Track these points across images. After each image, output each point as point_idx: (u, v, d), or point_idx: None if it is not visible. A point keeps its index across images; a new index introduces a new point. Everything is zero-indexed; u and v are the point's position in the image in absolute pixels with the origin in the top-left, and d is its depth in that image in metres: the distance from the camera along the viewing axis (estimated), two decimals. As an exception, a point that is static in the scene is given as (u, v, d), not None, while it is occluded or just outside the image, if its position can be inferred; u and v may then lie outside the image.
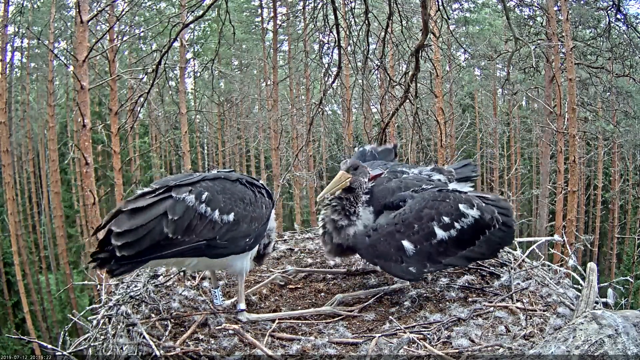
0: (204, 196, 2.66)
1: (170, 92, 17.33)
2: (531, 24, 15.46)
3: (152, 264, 2.87)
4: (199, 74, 20.35)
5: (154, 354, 2.49)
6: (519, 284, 3.30)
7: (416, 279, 3.14)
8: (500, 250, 3.44)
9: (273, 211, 3.12)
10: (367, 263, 3.70)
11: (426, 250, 2.98)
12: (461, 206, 3.06)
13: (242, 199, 2.81)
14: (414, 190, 3.21)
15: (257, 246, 3.01)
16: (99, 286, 3.61)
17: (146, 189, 2.75)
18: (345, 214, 3.18)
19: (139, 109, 8.30)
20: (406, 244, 2.96)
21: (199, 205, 2.63)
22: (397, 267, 2.97)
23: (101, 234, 2.60)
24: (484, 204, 3.15)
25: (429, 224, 2.99)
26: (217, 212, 2.68)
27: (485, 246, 3.13)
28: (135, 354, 2.56)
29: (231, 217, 2.73)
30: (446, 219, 3.01)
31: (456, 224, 3.02)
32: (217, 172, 3.12)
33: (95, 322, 3.04)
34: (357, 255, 3.46)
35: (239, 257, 2.90)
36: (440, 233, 3.00)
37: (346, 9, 6.75)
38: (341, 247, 3.22)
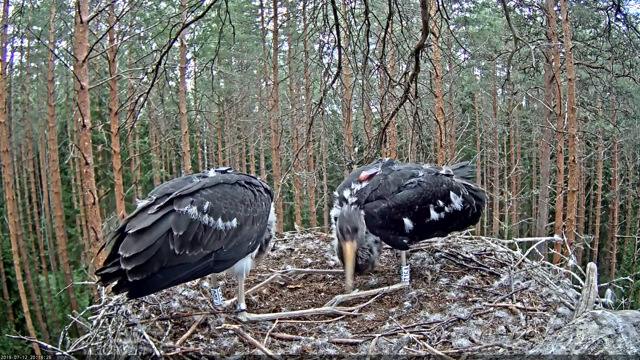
0: (205, 206, 2.65)
1: (170, 92, 17.33)
2: (531, 24, 15.43)
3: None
4: (199, 74, 20.33)
5: (154, 354, 2.49)
6: (519, 284, 3.31)
7: (405, 249, 3.50)
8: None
9: (272, 204, 3.12)
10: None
11: (421, 226, 3.38)
12: (452, 193, 3.47)
13: (243, 202, 2.81)
14: (412, 177, 3.44)
15: (258, 245, 3.00)
16: (99, 286, 3.61)
17: (145, 201, 2.73)
18: (365, 265, 3.48)
19: (139, 109, 8.28)
20: (407, 220, 3.33)
21: (202, 216, 2.62)
22: (394, 238, 3.39)
23: (105, 253, 2.64)
24: (467, 193, 3.57)
25: (427, 206, 3.38)
26: (220, 221, 2.68)
27: (458, 226, 3.71)
28: (135, 354, 2.56)
29: (234, 222, 2.73)
30: (440, 203, 3.43)
31: (446, 208, 3.45)
32: (214, 171, 3.12)
33: (95, 322, 3.04)
34: None
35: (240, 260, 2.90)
36: (434, 215, 3.40)
37: (346, 9, 6.73)
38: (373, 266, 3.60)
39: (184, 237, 2.55)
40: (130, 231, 2.53)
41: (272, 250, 4.49)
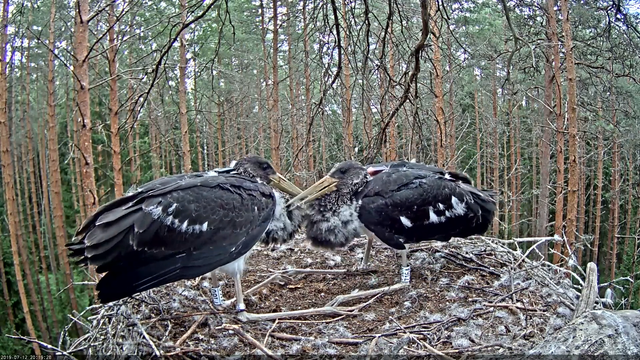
0: (171, 208, 2.66)
1: (170, 92, 17.33)
2: (531, 24, 15.44)
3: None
4: (199, 74, 20.33)
5: (154, 354, 2.49)
6: (519, 284, 3.31)
7: (400, 248, 3.42)
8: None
9: (279, 209, 3.08)
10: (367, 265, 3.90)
11: (418, 227, 3.32)
12: (454, 198, 3.39)
13: (223, 205, 2.77)
14: (416, 178, 3.38)
15: (248, 250, 2.95)
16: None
17: (128, 194, 2.83)
18: (319, 210, 3.28)
19: (139, 109, 8.29)
20: (404, 219, 3.28)
21: (165, 217, 2.64)
22: (389, 235, 3.33)
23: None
24: (472, 201, 3.47)
25: (426, 207, 3.32)
26: (185, 223, 2.67)
27: (462, 232, 3.63)
28: (135, 354, 2.56)
29: (204, 226, 2.71)
30: (441, 206, 3.35)
31: (447, 213, 3.37)
32: (214, 171, 3.12)
33: (95, 322, 3.05)
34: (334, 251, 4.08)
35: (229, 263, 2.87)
36: (433, 217, 3.33)
37: (346, 9, 6.74)
38: (315, 240, 3.32)
39: (143, 234, 2.61)
40: (99, 223, 2.66)
41: (272, 250, 4.49)
